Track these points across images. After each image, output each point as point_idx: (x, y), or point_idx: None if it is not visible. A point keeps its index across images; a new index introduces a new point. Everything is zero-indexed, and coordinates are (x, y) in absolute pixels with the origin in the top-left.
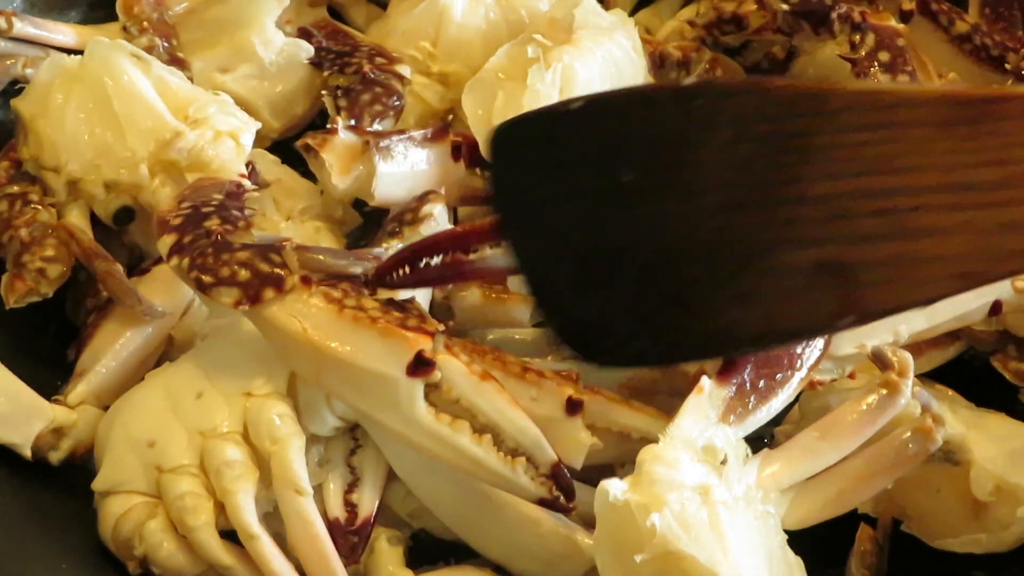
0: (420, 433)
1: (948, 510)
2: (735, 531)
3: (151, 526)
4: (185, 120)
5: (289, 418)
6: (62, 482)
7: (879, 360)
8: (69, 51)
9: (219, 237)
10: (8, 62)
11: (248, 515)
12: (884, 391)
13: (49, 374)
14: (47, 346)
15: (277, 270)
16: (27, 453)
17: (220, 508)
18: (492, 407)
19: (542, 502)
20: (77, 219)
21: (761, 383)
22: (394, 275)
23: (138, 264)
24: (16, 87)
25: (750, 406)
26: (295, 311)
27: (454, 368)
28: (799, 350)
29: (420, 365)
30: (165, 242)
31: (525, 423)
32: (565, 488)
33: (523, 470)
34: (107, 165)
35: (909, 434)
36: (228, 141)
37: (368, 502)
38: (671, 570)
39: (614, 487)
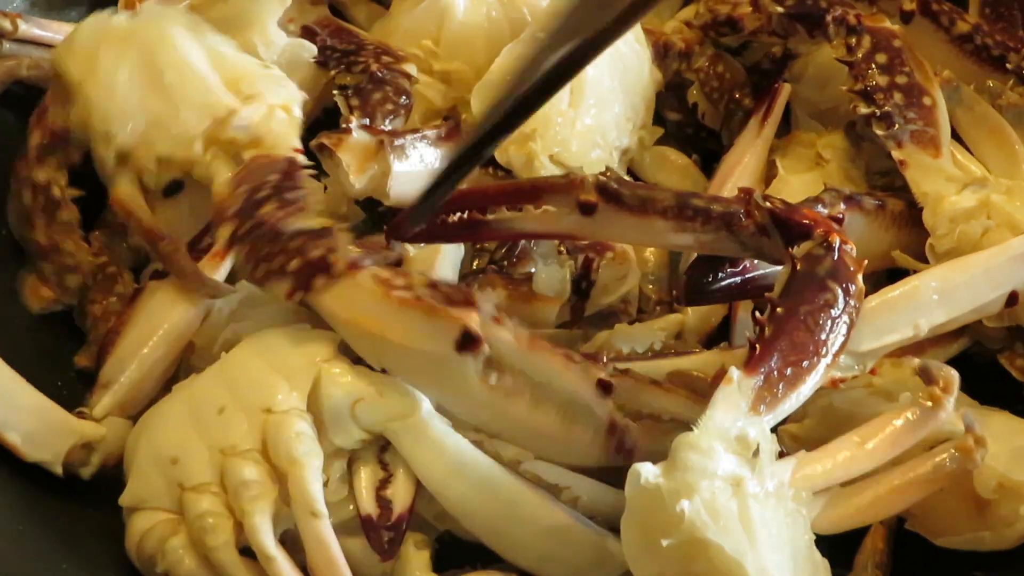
0: (479, 406)
1: (952, 508)
2: (763, 525)
3: (172, 543)
4: (238, 95)
5: (308, 437)
6: (61, 482)
7: (925, 375)
8: None
9: (273, 225)
10: (10, 63)
11: (265, 536)
12: (928, 404)
13: (52, 375)
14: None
15: (326, 256)
16: (58, 470)
17: (240, 526)
18: (543, 373)
19: (604, 461)
20: (128, 188)
21: (788, 371)
22: (410, 228)
23: (144, 266)
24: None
25: (779, 394)
26: (344, 298)
27: (501, 340)
28: (823, 336)
29: (467, 341)
30: (223, 233)
31: (578, 384)
32: (624, 447)
33: (581, 432)
34: (160, 140)
35: (951, 451)
36: (281, 114)
37: (403, 496)
38: (697, 557)
39: (646, 470)
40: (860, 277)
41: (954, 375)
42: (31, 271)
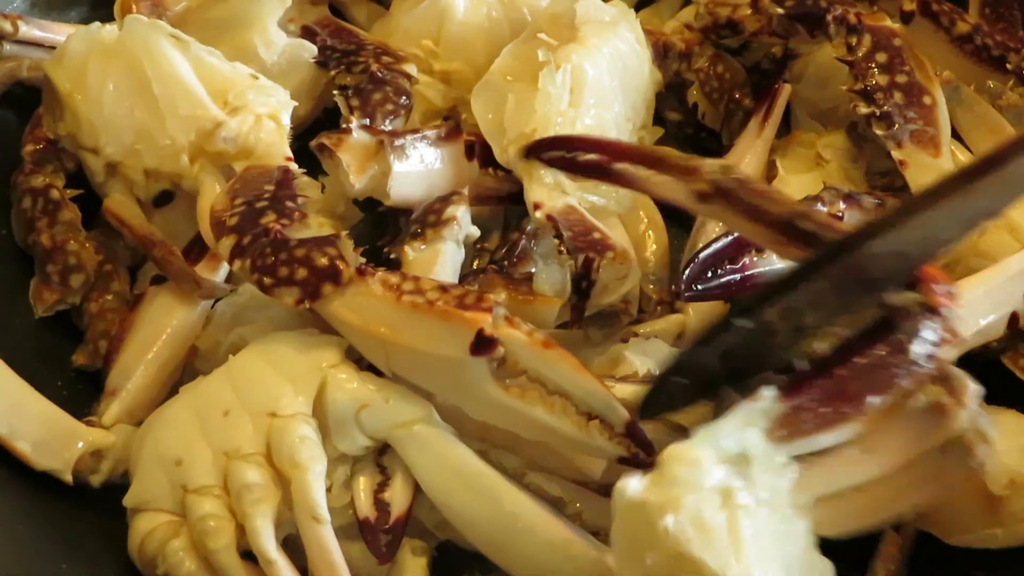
0: (493, 409)
1: (963, 506)
2: (753, 536)
3: (173, 545)
4: (224, 106)
5: (311, 441)
6: (62, 483)
7: (943, 383)
8: None
9: (277, 235)
10: (11, 64)
11: (266, 540)
12: (941, 415)
13: (52, 376)
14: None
15: (333, 264)
16: (68, 478)
17: (242, 529)
18: (558, 374)
19: (622, 460)
20: (121, 196)
21: (823, 410)
22: (548, 153)
23: (141, 265)
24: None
25: (802, 430)
26: (355, 304)
27: (516, 341)
28: (873, 395)
29: (482, 344)
30: (225, 245)
31: (593, 386)
32: (643, 444)
33: (598, 432)
34: (147, 152)
35: (955, 450)
36: (269, 123)
37: (401, 500)
38: (684, 570)
39: (632, 485)
40: (949, 351)
41: (972, 388)
42: (35, 276)
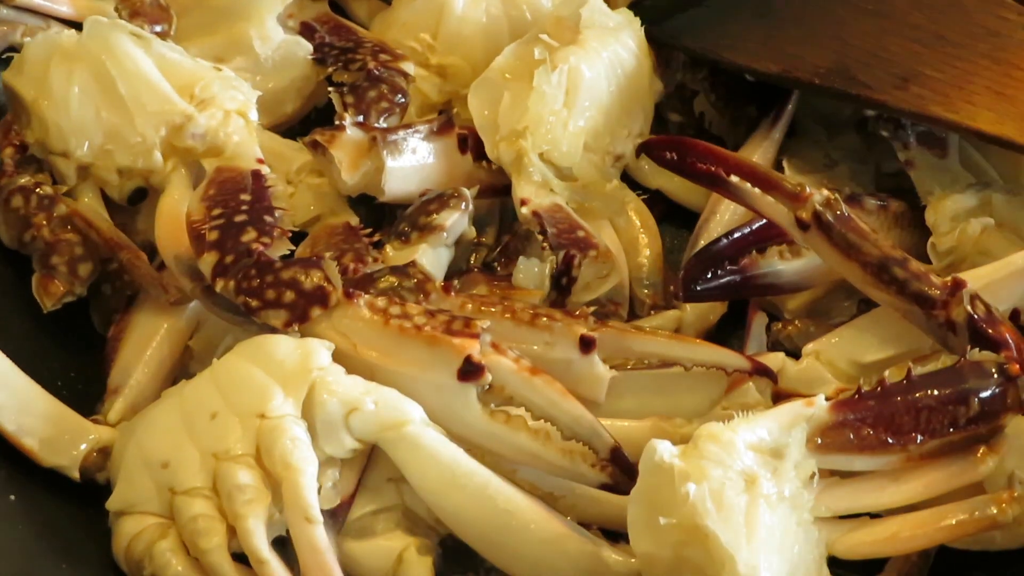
0: (478, 433)
1: None
2: (768, 527)
3: (160, 546)
4: (191, 100)
5: (303, 443)
6: (61, 483)
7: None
8: (68, 22)
9: (260, 256)
10: (3, 28)
11: (258, 540)
12: (970, 459)
13: (52, 376)
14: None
15: (321, 287)
16: (76, 475)
17: (233, 530)
18: (545, 400)
19: (604, 487)
20: (91, 202)
21: (869, 433)
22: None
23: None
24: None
25: (842, 446)
26: (343, 327)
27: (503, 367)
28: (920, 434)
29: (470, 370)
30: (207, 261)
31: (579, 412)
32: (626, 470)
33: (582, 459)
34: (119, 151)
35: (984, 504)
36: (238, 120)
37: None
38: (692, 542)
39: (663, 447)
40: (1010, 418)
41: (1004, 440)
42: (37, 272)
